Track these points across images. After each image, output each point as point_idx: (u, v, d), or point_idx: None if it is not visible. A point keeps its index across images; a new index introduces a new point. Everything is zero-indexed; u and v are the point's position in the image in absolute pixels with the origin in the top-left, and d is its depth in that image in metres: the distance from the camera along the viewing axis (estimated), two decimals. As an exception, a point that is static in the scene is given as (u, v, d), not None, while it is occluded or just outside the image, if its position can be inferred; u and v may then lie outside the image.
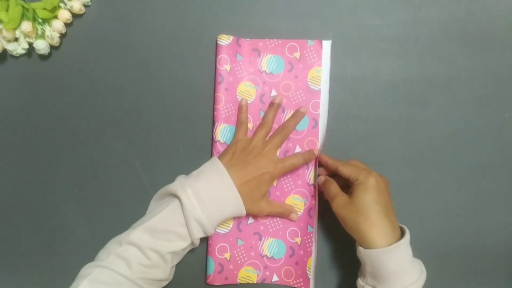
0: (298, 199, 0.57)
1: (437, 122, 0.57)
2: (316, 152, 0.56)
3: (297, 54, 0.57)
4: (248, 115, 0.57)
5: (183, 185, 0.50)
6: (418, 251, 0.56)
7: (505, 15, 0.57)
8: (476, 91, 0.57)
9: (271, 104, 0.57)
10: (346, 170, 0.52)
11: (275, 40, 0.56)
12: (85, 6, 0.58)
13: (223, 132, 0.57)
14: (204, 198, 0.50)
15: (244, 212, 0.53)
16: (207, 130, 0.58)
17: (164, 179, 0.54)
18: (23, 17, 0.55)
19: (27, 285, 0.59)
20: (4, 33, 0.55)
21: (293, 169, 0.56)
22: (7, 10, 0.54)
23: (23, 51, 0.57)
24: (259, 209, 0.54)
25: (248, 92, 0.57)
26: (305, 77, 0.57)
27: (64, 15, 0.56)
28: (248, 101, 0.57)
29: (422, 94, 0.57)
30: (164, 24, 0.58)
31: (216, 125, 0.57)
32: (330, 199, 0.52)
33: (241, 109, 0.57)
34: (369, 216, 0.47)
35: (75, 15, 0.57)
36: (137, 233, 0.49)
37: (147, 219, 0.50)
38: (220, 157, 0.54)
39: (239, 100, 0.57)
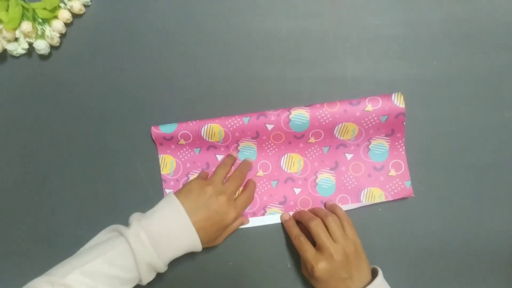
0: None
1: (437, 122, 0.57)
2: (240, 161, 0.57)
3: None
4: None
5: (136, 231, 0.47)
6: (418, 251, 0.56)
7: (505, 15, 0.57)
8: (476, 91, 0.57)
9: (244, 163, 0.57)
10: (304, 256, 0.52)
11: None
12: (85, 6, 0.58)
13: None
14: (161, 242, 0.47)
15: (200, 249, 0.51)
16: (207, 130, 0.58)
17: (164, 179, 0.54)
18: (23, 17, 0.55)
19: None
20: (4, 33, 0.55)
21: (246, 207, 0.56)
22: (7, 10, 0.54)
23: (23, 51, 0.57)
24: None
25: None
26: None
27: (64, 15, 0.56)
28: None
29: (422, 94, 0.57)
30: (163, 24, 0.58)
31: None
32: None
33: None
34: None
35: (75, 15, 0.58)
36: (74, 276, 0.43)
37: (88, 259, 0.45)
38: (178, 194, 0.51)
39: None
